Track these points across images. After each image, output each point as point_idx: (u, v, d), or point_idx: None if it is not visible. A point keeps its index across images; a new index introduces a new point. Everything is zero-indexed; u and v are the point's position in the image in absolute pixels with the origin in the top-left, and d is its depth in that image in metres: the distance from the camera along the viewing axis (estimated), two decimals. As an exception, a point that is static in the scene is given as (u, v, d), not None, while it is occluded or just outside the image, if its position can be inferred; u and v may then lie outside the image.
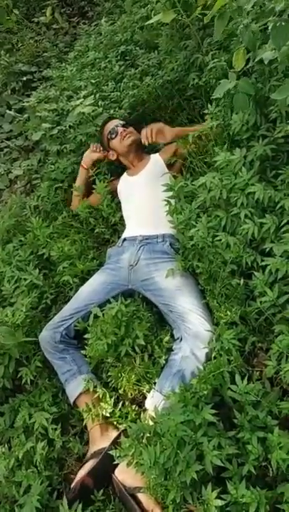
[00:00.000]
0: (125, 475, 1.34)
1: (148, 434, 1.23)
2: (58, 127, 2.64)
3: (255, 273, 1.42)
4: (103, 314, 1.64)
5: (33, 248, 2.13)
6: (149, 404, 1.47)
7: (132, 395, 1.59)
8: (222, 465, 1.14)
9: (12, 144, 3.52)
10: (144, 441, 1.22)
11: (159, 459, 1.12)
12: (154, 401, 1.44)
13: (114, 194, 2.22)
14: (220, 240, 1.49)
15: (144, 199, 2.01)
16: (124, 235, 2.00)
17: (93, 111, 2.41)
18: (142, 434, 1.23)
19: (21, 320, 1.63)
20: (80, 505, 1.33)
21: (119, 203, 2.19)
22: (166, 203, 1.78)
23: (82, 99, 2.48)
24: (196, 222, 1.56)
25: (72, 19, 4.89)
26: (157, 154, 2.15)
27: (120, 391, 1.58)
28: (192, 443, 1.14)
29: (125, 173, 2.25)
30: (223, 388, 1.30)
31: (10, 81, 4.15)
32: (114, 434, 1.52)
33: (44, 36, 4.63)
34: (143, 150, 2.25)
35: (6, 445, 1.56)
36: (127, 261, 1.85)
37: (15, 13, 3.96)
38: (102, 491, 1.41)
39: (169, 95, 2.41)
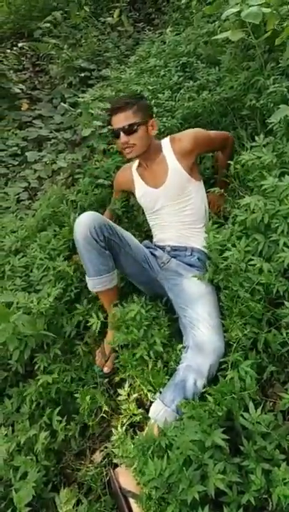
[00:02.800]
0: (124, 476, 1.37)
1: (154, 447, 1.22)
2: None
3: (286, 303, 1.40)
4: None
5: (66, 240, 2.16)
6: (152, 413, 1.47)
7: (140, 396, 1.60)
8: (223, 490, 1.12)
9: (60, 135, 3.60)
10: (149, 452, 1.21)
11: (164, 473, 1.11)
12: (156, 411, 1.45)
13: (124, 189, 2.14)
14: (254, 264, 1.48)
15: (171, 215, 1.92)
16: (156, 242, 2.01)
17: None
18: (148, 446, 1.22)
19: (46, 309, 1.65)
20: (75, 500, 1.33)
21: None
22: (194, 218, 1.89)
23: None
24: (234, 244, 1.55)
25: (137, 24, 4.99)
26: (172, 154, 1.89)
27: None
28: (198, 463, 1.13)
29: (140, 179, 2.00)
30: (236, 413, 1.29)
31: (68, 75, 4.26)
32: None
33: (108, 37, 4.73)
34: (154, 144, 1.92)
35: (9, 428, 1.58)
36: (159, 258, 1.89)
37: (85, 9, 4.04)
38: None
39: (224, 112, 2.42)
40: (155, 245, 1.98)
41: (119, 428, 1.49)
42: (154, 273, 1.86)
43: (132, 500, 1.32)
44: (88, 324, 1.76)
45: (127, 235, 1.83)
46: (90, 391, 1.62)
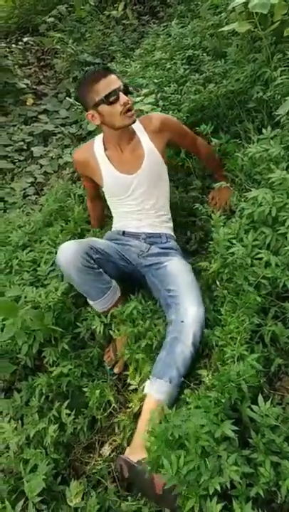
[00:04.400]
0: (129, 451, 1.41)
1: (171, 437, 1.21)
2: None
3: (294, 296, 1.40)
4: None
5: (72, 235, 2.17)
6: (146, 389, 1.48)
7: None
8: (233, 482, 1.13)
9: (66, 130, 3.60)
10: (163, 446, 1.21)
11: (182, 470, 1.11)
12: (149, 385, 1.47)
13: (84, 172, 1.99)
14: (261, 258, 1.47)
15: (146, 202, 1.89)
16: (122, 227, 1.93)
17: (152, 109, 2.43)
18: (166, 436, 1.21)
19: (54, 303, 1.66)
20: (83, 493, 1.35)
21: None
22: (164, 206, 1.91)
23: (143, 97, 2.50)
24: (241, 239, 1.54)
25: (142, 17, 4.94)
26: (145, 133, 1.85)
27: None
28: (214, 454, 1.13)
29: (108, 162, 1.86)
30: (242, 405, 1.29)
31: (73, 69, 4.25)
32: None
33: (112, 30, 4.69)
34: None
35: (19, 421, 1.59)
36: (137, 247, 1.86)
37: (90, 3, 4.02)
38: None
39: (230, 105, 2.40)
40: (125, 233, 1.91)
41: (126, 419, 1.51)
42: (132, 265, 1.84)
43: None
44: (93, 327, 1.76)
45: (102, 244, 1.79)
46: (99, 385, 1.62)
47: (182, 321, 1.51)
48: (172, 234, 1.94)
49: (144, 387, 1.53)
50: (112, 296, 1.73)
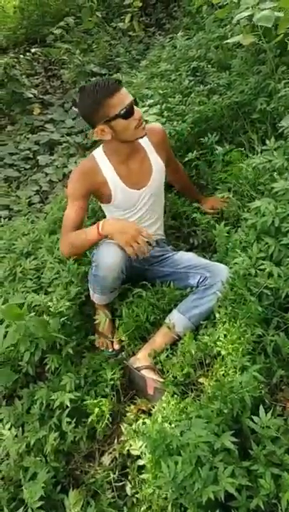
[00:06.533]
0: (134, 359, 1.67)
1: (164, 446, 1.21)
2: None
3: (296, 307, 1.40)
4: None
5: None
6: (167, 318, 1.69)
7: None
8: (232, 493, 1.12)
9: (71, 139, 3.63)
10: (160, 452, 1.21)
11: (178, 476, 1.11)
12: (171, 316, 1.69)
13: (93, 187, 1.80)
14: (264, 269, 1.47)
15: (148, 214, 1.91)
16: None
17: (157, 120, 2.45)
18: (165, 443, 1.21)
19: (66, 308, 1.67)
20: (82, 502, 1.34)
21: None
22: (161, 214, 1.98)
23: (148, 108, 2.53)
24: (244, 248, 1.55)
25: (148, 29, 5.01)
26: (151, 147, 1.84)
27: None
28: (209, 464, 1.13)
29: (117, 178, 1.78)
30: (243, 416, 1.28)
31: (79, 79, 4.30)
32: None
33: (119, 41, 4.76)
34: None
35: (19, 429, 1.59)
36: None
37: (97, 15, 4.09)
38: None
39: (234, 116, 2.43)
40: None
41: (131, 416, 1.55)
42: (141, 264, 1.89)
43: (143, 371, 1.61)
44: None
45: None
46: (98, 402, 1.59)
47: (218, 277, 1.65)
48: (164, 238, 2.03)
49: None
50: (114, 294, 1.82)
